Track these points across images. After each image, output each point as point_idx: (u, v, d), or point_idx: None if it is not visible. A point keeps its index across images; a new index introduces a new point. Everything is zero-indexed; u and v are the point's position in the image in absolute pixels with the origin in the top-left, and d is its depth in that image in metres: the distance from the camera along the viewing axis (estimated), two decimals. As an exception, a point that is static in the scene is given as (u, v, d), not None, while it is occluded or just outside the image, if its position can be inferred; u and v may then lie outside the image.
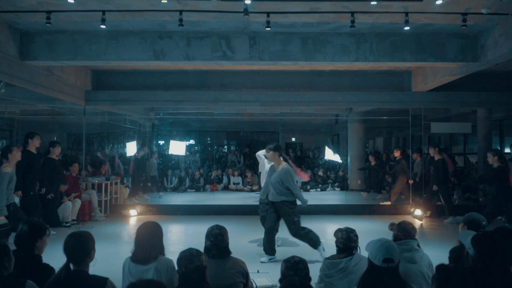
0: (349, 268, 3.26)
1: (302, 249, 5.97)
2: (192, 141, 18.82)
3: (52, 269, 3.02)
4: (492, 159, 7.36)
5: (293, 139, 19.99)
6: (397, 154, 10.67)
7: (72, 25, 7.15)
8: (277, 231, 5.83)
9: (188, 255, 2.65)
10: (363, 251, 3.49)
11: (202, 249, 2.92)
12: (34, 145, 6.97)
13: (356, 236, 3.45)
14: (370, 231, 7.59)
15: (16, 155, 6.37)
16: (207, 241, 3.26)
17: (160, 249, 3.11)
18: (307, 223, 8.54)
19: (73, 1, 5.92)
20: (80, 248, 2.69)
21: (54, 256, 3.14)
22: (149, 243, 3.07)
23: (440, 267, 2.38)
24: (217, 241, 3.22)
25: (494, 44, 6.94)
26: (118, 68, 10.21)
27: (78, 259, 2.67)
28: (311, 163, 16.45)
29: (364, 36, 7.50)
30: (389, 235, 3.72)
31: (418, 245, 3.43)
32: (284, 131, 16.43)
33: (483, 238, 2.65)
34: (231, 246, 3.36)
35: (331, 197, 12.08)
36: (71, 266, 2.66)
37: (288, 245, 6.50)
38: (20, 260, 2.79)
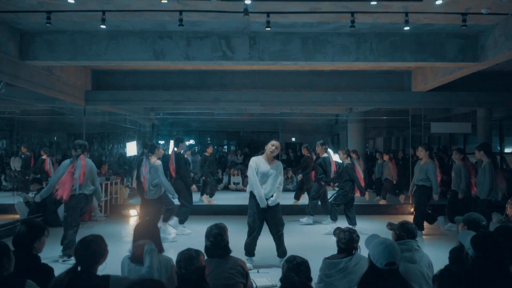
0: (349, 268, 3.26)
1: (302, 249, 5.97)
2: (192, 141, 18.83)
3: (51, 269, 3.02)
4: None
5: (293, 139, 20.00)
6: (385, 158, 11.17)
7: (72, 25, 7.15)
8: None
9: (187, 257, 2.65)
10: (363, 250, 3.49)
11: (202, 249, 2.92)
12: (181, 148, 7.88)
13: (358, 237, 3.45)
14: (370, 231, 7.58)
15: (161, 152, 7.42)
16: (207, 241, 3.26)
17: (159, 248, 3.11)
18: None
19: (73, 1, 5.92)
20: (89, 254, 2.69)
21: (55, 256, 3.14)
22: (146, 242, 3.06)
23: (445, 271, 2.36)
24: (217, 240, 3.23)
25: (494, 44, 6.94)
26: (118, 68, 10.21)
27: (87, 264, 2.68)
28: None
29: (364, 36, 7.50)
30: (388, 235, 3.72)
31: (417, 245, 3.43)
32: (284, 131, 16.44)
33: (482, 238, 2.65)
34: (231, 246, 3.35)
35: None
36: (79, 268, 2.67)
37: (288, 244, 6.49)
38: (19, 260, 2.78)
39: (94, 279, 2.64)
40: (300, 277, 2.67)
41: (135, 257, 3.07)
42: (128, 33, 7.46)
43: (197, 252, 2.72)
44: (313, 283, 2.95)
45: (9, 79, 7.46)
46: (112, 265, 2.91)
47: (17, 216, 8.34)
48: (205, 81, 10.51)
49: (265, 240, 6.60)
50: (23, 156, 9.88)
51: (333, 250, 3.54)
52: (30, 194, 8.66)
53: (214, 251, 3.21)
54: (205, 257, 2.94)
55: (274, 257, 5.67)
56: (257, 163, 5.37)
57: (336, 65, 8.70)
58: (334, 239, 3.64)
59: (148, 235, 3.11)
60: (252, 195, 5.42)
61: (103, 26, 6.41)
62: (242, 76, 10.51)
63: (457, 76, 8.68)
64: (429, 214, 7.56)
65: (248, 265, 4.95)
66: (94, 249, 2.71)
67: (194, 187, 8.04)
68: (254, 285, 4.04)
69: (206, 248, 3.25)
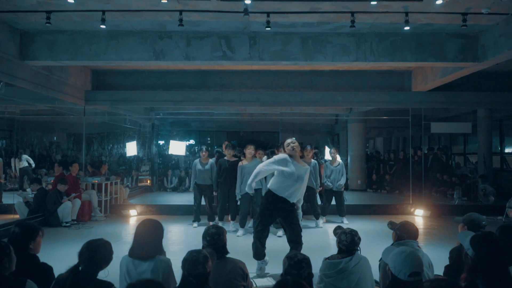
0: (349, 268, 3.24)
1: (302, 248, 5.96)
2: (192, 141, 18.80)
3: (49, 267, 3.02)
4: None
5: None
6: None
7: (72, 25, 7.15)
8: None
9: (193, 260, 2.59)
10: (364, 251, 3.49)
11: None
12: (229, 153, 7.94)
13: (360, 239, 3.40)
14: (370, 231, 7.59)
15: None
16: (204, 241, 3.24)
17: (158, 249, 3.08)
18: (307, 223, 8.57)
19: (73, 1, 5.92)
20: (94, 260, 2.69)
21: (55, 256, 3.14)
22: (146, 240, 3.06)
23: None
24: (214, 240, 3.20)
25: (494, 44, 6.93)
26: (118, 68, 10.20)
27: (89, 266, 2.67)
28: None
29: (364, 36, 7.50)
30: (389, 234, 3.72)
31: (418, 245, 3.42)
32: (284, 131, 16.41)
33: (482, 238, 2.63)
34: (231, 247, 3.34)
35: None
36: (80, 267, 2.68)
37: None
38: (16, 261, 2.77)
39: (97, 284, 2.64)
40: (302, 274, 2.65)
41: (134, 252, 3.06)
42: (128, 33, 7.46)
43: (206, 257, 2.63)
44: (313, 284, 2.93)
45: (9, 79, 7.45)
46: (111, 266, 2.90)
47: (17, 216, 8.34)
48: (205, 81, 10.50)
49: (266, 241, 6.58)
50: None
51: (333, 250, 3.53)
52: (30, 194, 8.67)
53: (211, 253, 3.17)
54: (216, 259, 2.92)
55: (275, 258, 5.66)
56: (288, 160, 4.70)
57: (336, 65, 8.70)
58: (334, 239, 3.63)
59: (150, 234, 3.10)
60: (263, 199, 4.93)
61: (103, 26, 6.41)
62: (242, 76, 10.50)
63: (457, 76, 8.68)
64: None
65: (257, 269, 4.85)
66: (99, 254, 2.71)
67: None
68: (254, 285, 4.04)
69: (203, 248, 3.22)
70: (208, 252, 2.76)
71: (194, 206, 8.27)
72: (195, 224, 8.17)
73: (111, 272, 2.89)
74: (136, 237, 3.10)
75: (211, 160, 8.29)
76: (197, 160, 8.25)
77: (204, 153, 8.26)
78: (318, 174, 8.08)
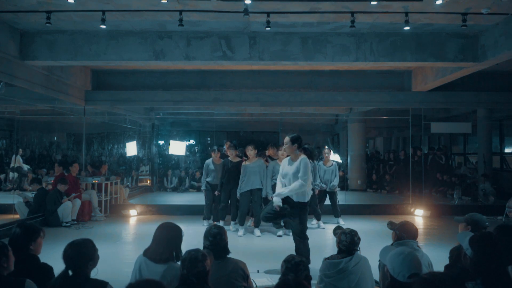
0: (349, 268, 3.25)
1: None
2: (192, 141, 18.81)
3: (50, 268, 3.02)
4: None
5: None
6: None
7: (72, 25, 7.15)
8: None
9: (192, 259, 2.59)
10: (363, 251, 3.49)
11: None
12: (231, 153, 7.87)
13: (359, 239, 3.40)
14: (370, 231, 7.59)
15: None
16: (206, 241, 3.23)
17: (172, 255, 3.05)
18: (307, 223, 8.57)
19: (73, 1, 5.92)
20: (79, 258, 2.64)
21: (55, 256, 3.14)
22: (159, 243, 3.06)
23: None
24: (216, 240, 3.19)
25: (494, 44, 6.93)
26: (118, 68, 10.20)
27: (77, 267, 2.63)
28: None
29: (364, 36, 7.50)
30: (389, 234, 3.72)
31: (417, 245, 3.43)
32: (284, 131, 16.40)
33: (480, 238, 2.63)
34: (231, 247, 3.33)
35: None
36: (70, 272, 2.64)
37: (289, 244, 6.49)
38: (16, 261, 2.78)
39: (89, 283, 2.62)
40: (299, 277, 2.65)
41: (147, 252, 3.06)
42: (128, 33, 7.46)
43: (204, 256, 2.63)
44: (313, 284, 2.93)
45: (9, 79, 7.45)
46: (111, 266, 2.90)
47: (17, 216, 8.34)
48: (205, 81, 10.50)
49: (266, 240, 6.62)
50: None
51: (333, 250, 3.53)
52: (30, 194, 8.67)
53: (213, 252, 3.17)
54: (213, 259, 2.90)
55: (275, 257, 5.66)
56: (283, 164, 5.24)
57: (336, 65, 8.70)
58: (334, 239, 3.63)
59: (165, 239, 3.09)
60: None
61: (103, 26, 6.41)
62: (242, 76, 10.50)
63: (457, 76, 8.68)
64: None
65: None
66: (82, 252, 2.65)
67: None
68: (254, 285, 4.04)
69: (204, 248, 3.21)
70: (205, 252, 2.75)
71: (206, 205, 8.30)
72: (205, 222, 8.17)
73: (112, 273, 2.89)
74: (153, 239, 3.11)
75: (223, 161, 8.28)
76: (209, 160, 8.29)
77: (216, 153, 8.28)
78: (317, 174, 8.03)
